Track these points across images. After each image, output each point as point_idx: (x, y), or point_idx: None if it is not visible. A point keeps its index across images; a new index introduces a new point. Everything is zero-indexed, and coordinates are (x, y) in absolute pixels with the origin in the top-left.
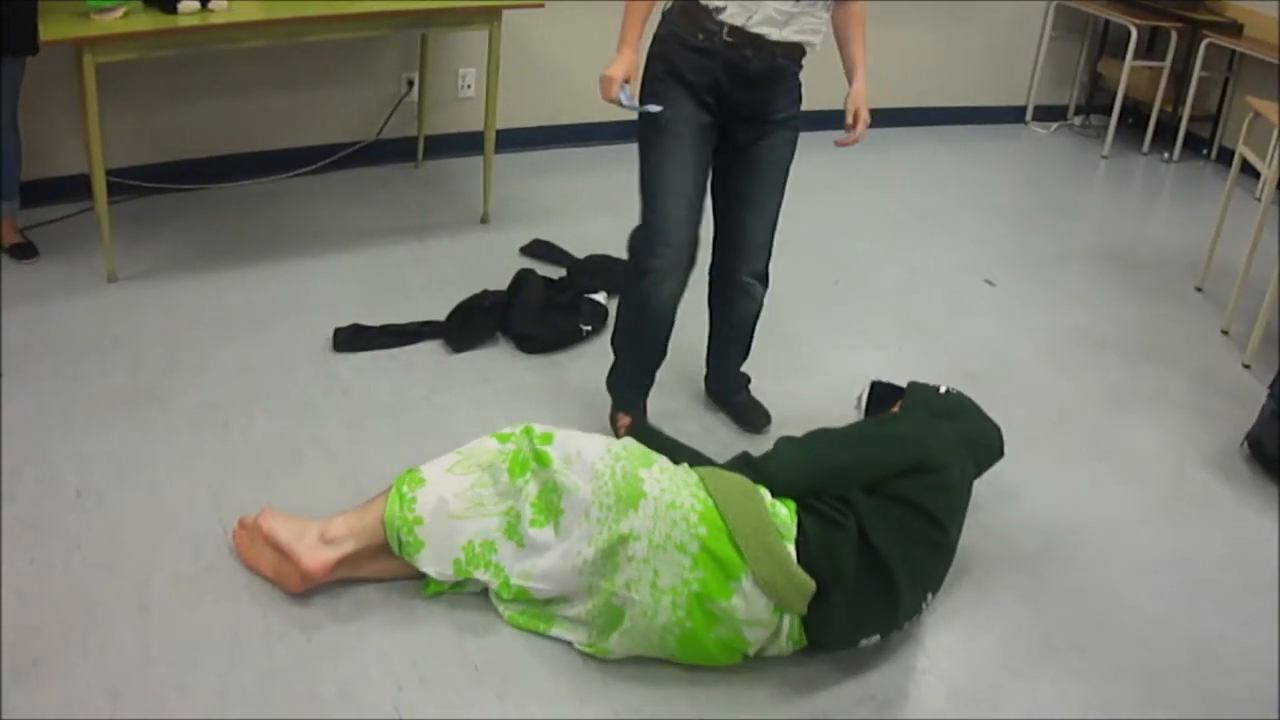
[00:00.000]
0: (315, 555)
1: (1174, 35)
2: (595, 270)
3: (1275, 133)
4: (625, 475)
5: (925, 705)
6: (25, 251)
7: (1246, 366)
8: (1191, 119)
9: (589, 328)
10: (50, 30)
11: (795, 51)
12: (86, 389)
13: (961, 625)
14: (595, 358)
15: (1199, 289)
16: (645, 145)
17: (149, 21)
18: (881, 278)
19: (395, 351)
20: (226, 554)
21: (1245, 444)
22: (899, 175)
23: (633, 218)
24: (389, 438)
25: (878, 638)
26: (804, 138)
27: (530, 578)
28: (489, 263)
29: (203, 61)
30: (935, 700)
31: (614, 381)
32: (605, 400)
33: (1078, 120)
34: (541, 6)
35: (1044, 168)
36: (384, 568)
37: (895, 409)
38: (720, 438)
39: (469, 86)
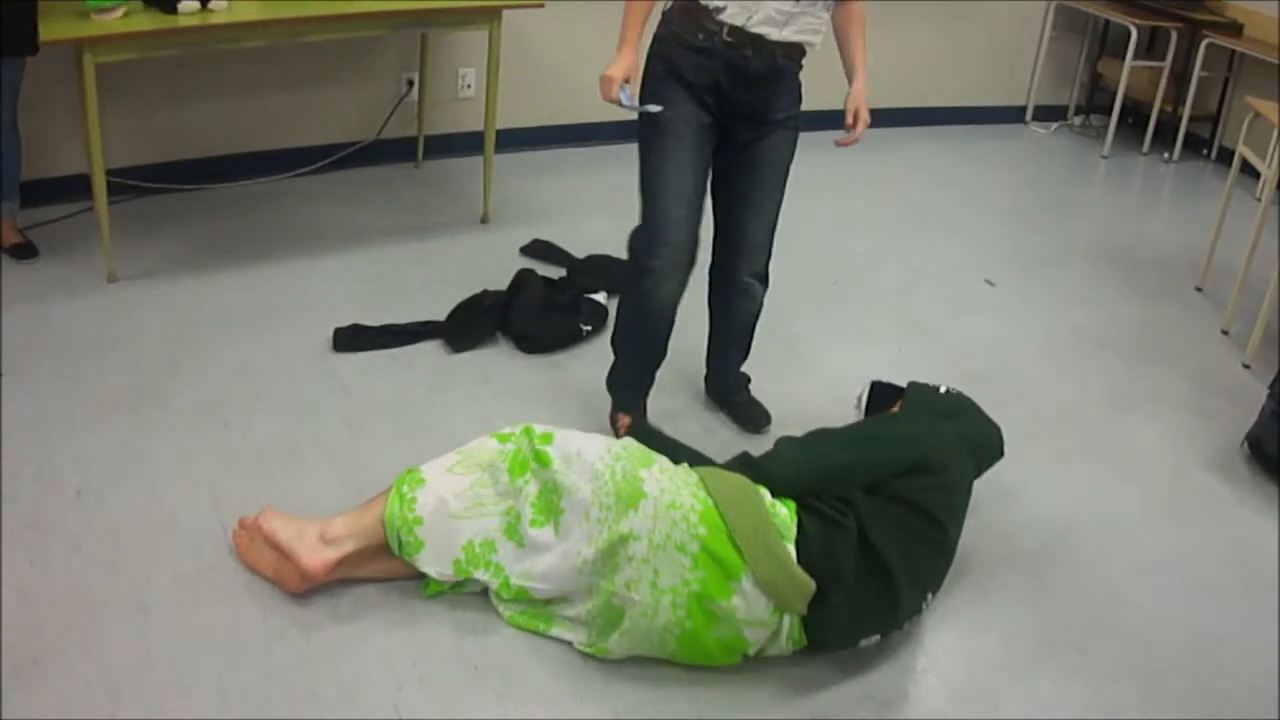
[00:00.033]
0: (315, 555)
1: (1174, 35)
2: (595, 270)
3: (1275, 133)
4: (625, 475)
5: (925, 705)
6: (25, 251)
7: (1246, 366)
8: (1191, 119)
9: (589, 328)
10: (50, 30)
11: (795, 51)
12: (86, 389)
13: (961, 625)
14: (595, 358)
15: (1199, 289)
16: (645, 145)
17: (149, 21)
18: (881, 278)
19: (395, 351)
20: (226, 554)
21: (1245, 444)
22: (899, 175)
23: (633, 218)
24: (389, 438)
25: (878, 638)
26: (804, 138)
27: (530, 578)
28: (489, 263)
29: (203, 61)
30: (935, 700)
31: (614, 381)
32: (605, 400)
33: (1078, 120)
34: (541, 6)
35: (1044, 168)
36: (384, 568)
37: (895, 409)
38: (720, 438)
39: (469, 86)
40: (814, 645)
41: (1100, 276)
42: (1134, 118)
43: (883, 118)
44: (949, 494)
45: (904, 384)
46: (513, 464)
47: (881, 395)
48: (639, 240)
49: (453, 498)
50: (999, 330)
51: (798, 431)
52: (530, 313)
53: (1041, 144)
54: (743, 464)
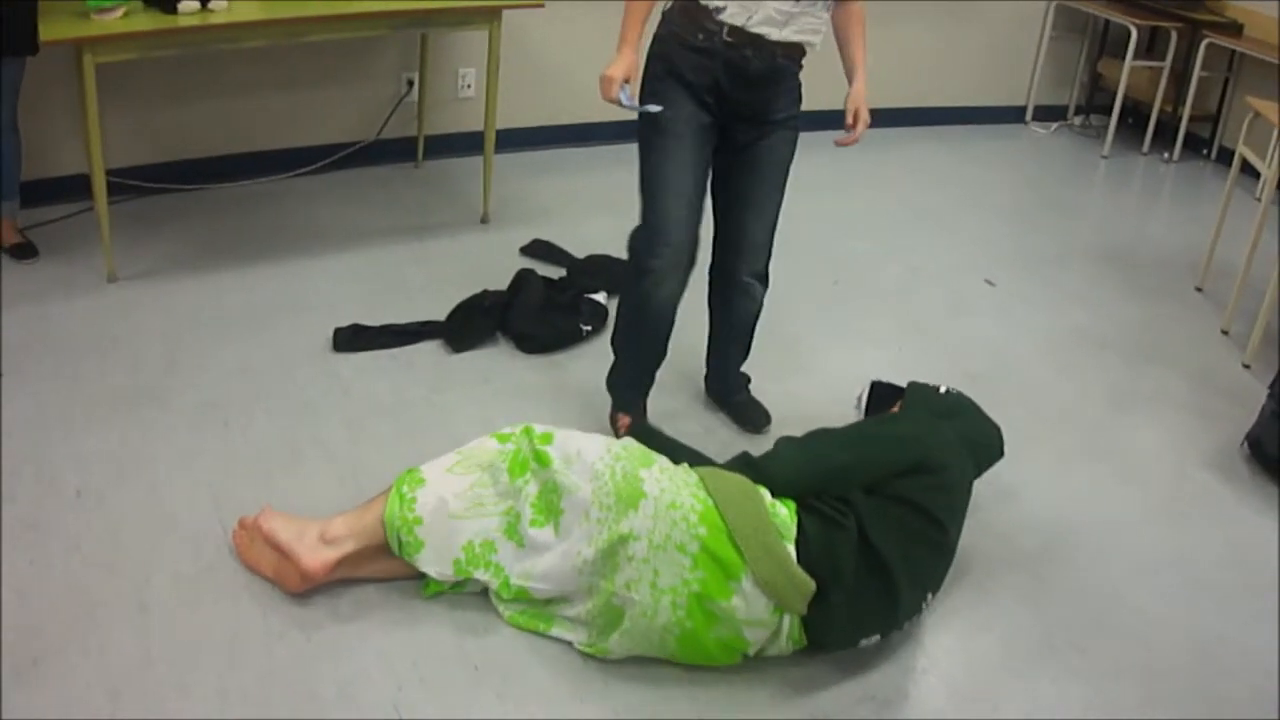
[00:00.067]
0: (315, 555)
1: (1174, 35)
2: (595, 270)
3: (1275, 133)
4: (625, 475)
5: (925, 705)
6: (25, 251)
7: (1246, 366)
8: (1191, 119)
9: (589, 328)
10: (50, 30)
11: (795, 51)
12: (86, 389)
13: (961, 625)
14: (595, 358)
15: (1199, 289)
16: (645, 145)
17: (149, 21)
18: (881, 278)
19: (395, 351)
20: (226, 554)
21: (1245, 444)
22: (899, 175)
23: (633, 218)
24: (389, 438)
25: (878, 638)
26: (804, 138)
27: (530, 578)
28: (489, 263)
29: (203, 61)
30: (935, 700)
31: (614, 381)
32: (605, 400)
33: (1078, 120)
34: (541, 6)
35: (1044, 168)
36: (384, 568)
37: (895, 409)
38: (720, 438)
39: (469, 86)
40: (814, 645)
41: (1100, 276)
42: (1134, 118)
43: (883, 118)
44: (949, 494)
45: (904, 384)
46: (513, 464)
47: (881, 395)
48: (639, 240)
49: (453, 498)
50: (999, 330)
51: (798, 431)
52: (530, 313)
53: (1041, 144)
54: (743, 464)
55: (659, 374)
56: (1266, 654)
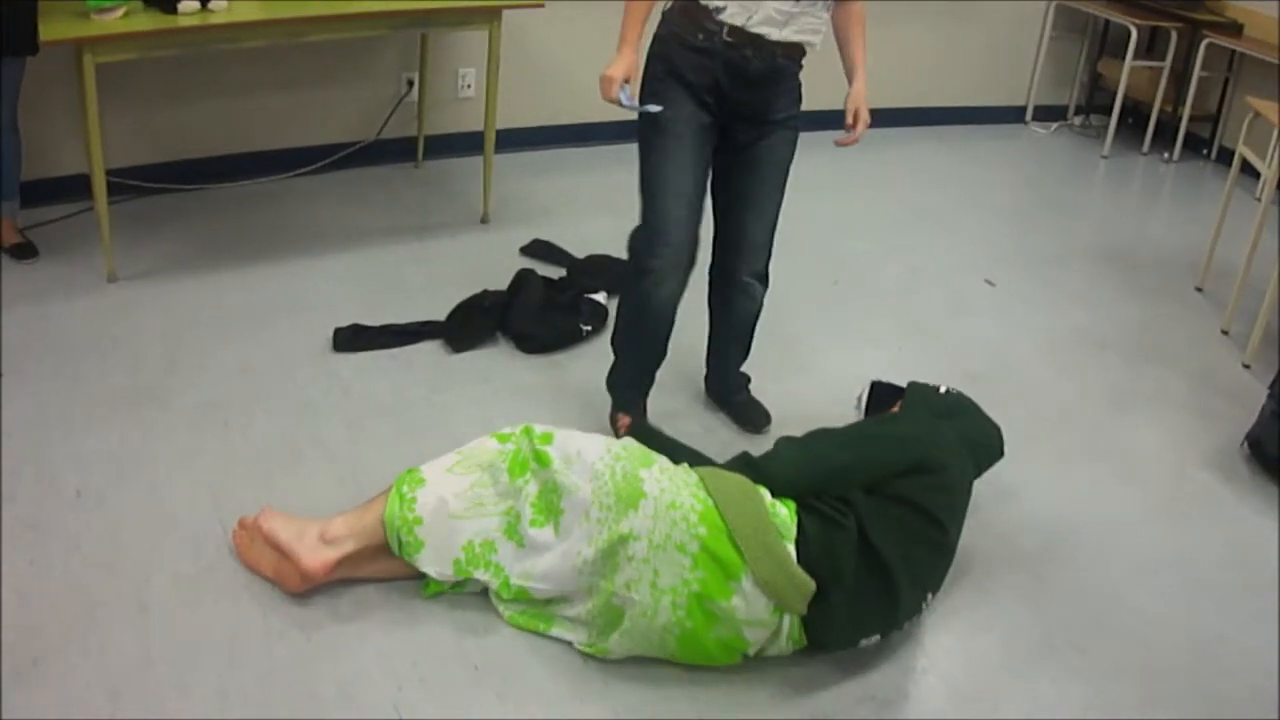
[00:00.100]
0: (315, 555)
1: (1174, 35)
2: (595, 270)
3: (1275, 133)
4: (625, 475)
5: (925, 705)
6: (25, 251)
7: (1246, 366)
8: (1191, 119)
9: (589, 328)
10: (50, 30)
11: (795, 51)
12: (86, 389)
13: (961, 625)
14: (595, 358)
15: (1199, 289)
16: (645, 145)
17: (149, 21)
18: (881, 278)
19: (395, 351)
20: (226, 554)
21: (1245, 444)
22: (899, 175)
23: (633, 218)
24: (389, 438)
25: (878, 638)
26: (804, 138)
27: (530, 578)
28: (489, 263)
29: (203, 61)
30: (935, 700)
31: (614, 381)
32: (605, 400)
33: (1078, 120)
34: (541, 6)
35: (1044, 168)
36: (384, 568)
37: (895, 409)
38: (720, 438)
39: (469, 86)
40: (814, 645)
41: (1100, 276)
42: (1134, 118)
43: (883, 118)
44: (949, 494)
45: (904, 384)
46: (513, 464)
47: (881, 395)
48: (639, 240)
49: (453, 498)
50: (999, 330)
51: (798, 431)
52: (530, 313)
53: (1041, 144)
54: (742, 464)
55: (659, 374)
56: (1266, 654)
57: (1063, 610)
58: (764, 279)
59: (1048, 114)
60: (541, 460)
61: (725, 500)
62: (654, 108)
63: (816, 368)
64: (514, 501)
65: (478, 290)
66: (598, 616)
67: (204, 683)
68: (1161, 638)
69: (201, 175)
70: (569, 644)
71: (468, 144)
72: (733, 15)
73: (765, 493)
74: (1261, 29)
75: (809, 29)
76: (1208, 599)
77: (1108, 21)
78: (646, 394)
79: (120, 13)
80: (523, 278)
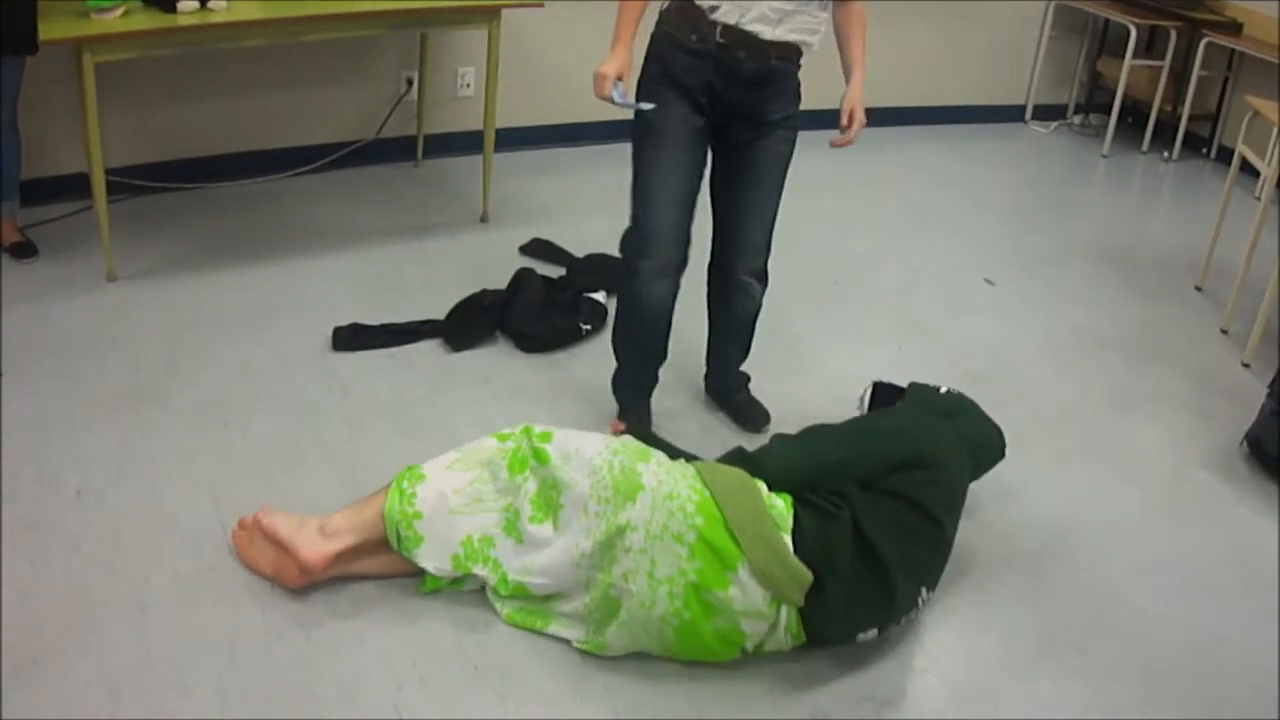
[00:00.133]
0: (314, 548)
1: (1173, 34)
2: (594, 269)
3: (1275, 132)
4: (623, 469)
5: (925, 704)
6: (25, 251)
7: (1246, 366)
8: (1191, 118)
9: (588, 327)
10: (50, 30)
11: (791, 52)
12: (86, 389)
13: (961, 625)
14: (595, 357)
15: (1199, 289)
16: (637, 146)
17: (148, 21)
18: (881, 278)
19: (395, 351)
20: (226, 554)
21: (1245, 443)
22: (899, 175)
23: None
24: (389, 437)
25: (875, 632)
26: (803, 137)
27: (529, 573)
28: (488, 262)
29: (202, 61)
30: (935, 700)
31: (615, 382)
32: (605, 399)
33: (1077, 119)
34: (541, 6)
35: (1044, 167)
36: (382, 563)
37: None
38: (719, 437)
39: (468, 86)
40: (812, 640)
41: (1100, 276)
42: (1134, 117)
43: (883, 117)
44: (945, 491)
45: (904, 384)
46: (512, 461)
47: (883, 396)
48: (630, 242)
49: (452, 493)
50: (999, 330)
51: (797, 431)
52: (530, 312)
53: (1041, 143)
54: (738, 458)
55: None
56: (1266, 654)
57: (1063, 610)
58: (763, 278)
59: (1047, 113)
60: (540, 457)
61: (722, 491)
62: (646, 105)
63: (816, 368)
64: (513, 498)
65: (477, 289)
66: (595, 610)
67: (204, 683)
68: (1161, 638)
69: (201, 174)
70: (568, 643)
71: (467, 143)
72: (726, 14)
73: (762, 485)
74: (1261, 28)
75: (805, 28)
76: (1208, 599)
77: (1107, 21)
78: (649, 394)
79: (119, 12)
80: (522, 277)
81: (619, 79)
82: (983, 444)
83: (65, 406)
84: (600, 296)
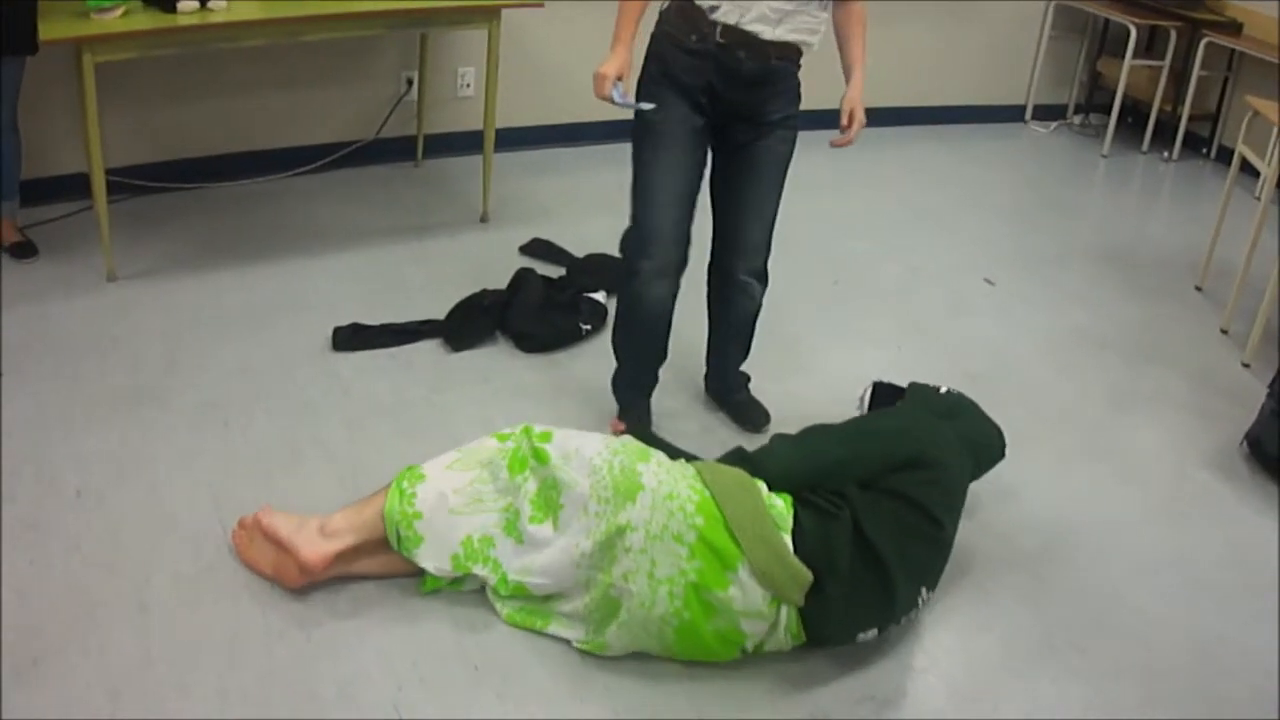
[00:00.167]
0: (314, 547)
1: (1173, 34)
2: (594, 269)
3: (1275, 132)
4: (623, 469)
5: (925, 704)
6: (25, 250)
7: (1246, 366)
8: (1191, 118)
9: (588, 326)
10: (50, 30)
11: (790, 52)
12: (86, 389)
13: (961, 625)
14: (595, 356)
15: (1199, 289)
16: (637, 147)
17: (148, 21)
18: (881, 278)
19: (395, 351)
20: (226, 554)
21: (1245, 443)
22: (899, 175)
23: None
24: (389, 437)
25: (875, 632)
26: (803, 137)
27: (529, 573)
28: (488, 262)
29: (202, 61)
30: (935, 700)
31: (615, 382)
32: (605, 399)
33: (1077, 119)
34: (541, 6)
35: (1044, 167)
36: (382, 563)
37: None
38: (719, 437)
39: (468, 86)
40: (812, 640)
41: (1100, 276)
42: (1133, 117)
43: (883, 117)
44: (945, 490)
45: (904, 384)
46: (512, 461)
47: (883, 396)
48: (629, 242)
49: (452, 493)
50: (999, 330)
51: (797, 431)
52: (530, 312)
53: (1041, 143)
54: (738, 458)
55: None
56: (1266, 654)
57: (1063, 610)
58: (763, 278)
59: (1047, 113)
60: (540, 457)
61: (722, 491)
62: (646, 105)
63: (816, 368)
64: (513, 498)
65: (477, 289)
66: (595, 610)
67: (204, 683)
68: (1161, 638)
69: (201, 174)
70: (568, 643)
71: (467, 143)
72: (726, 14)
73: (762, 485)
74: (1261, 28)
75: (805, 28)
76: (1208, 599)
77: (1107, 21)
78: (649, 394)
79: (119, 12)
80: (522, 277)
81: (619, 79)
82: (983, 444)
83: (65, 406)
84: (600, 296)
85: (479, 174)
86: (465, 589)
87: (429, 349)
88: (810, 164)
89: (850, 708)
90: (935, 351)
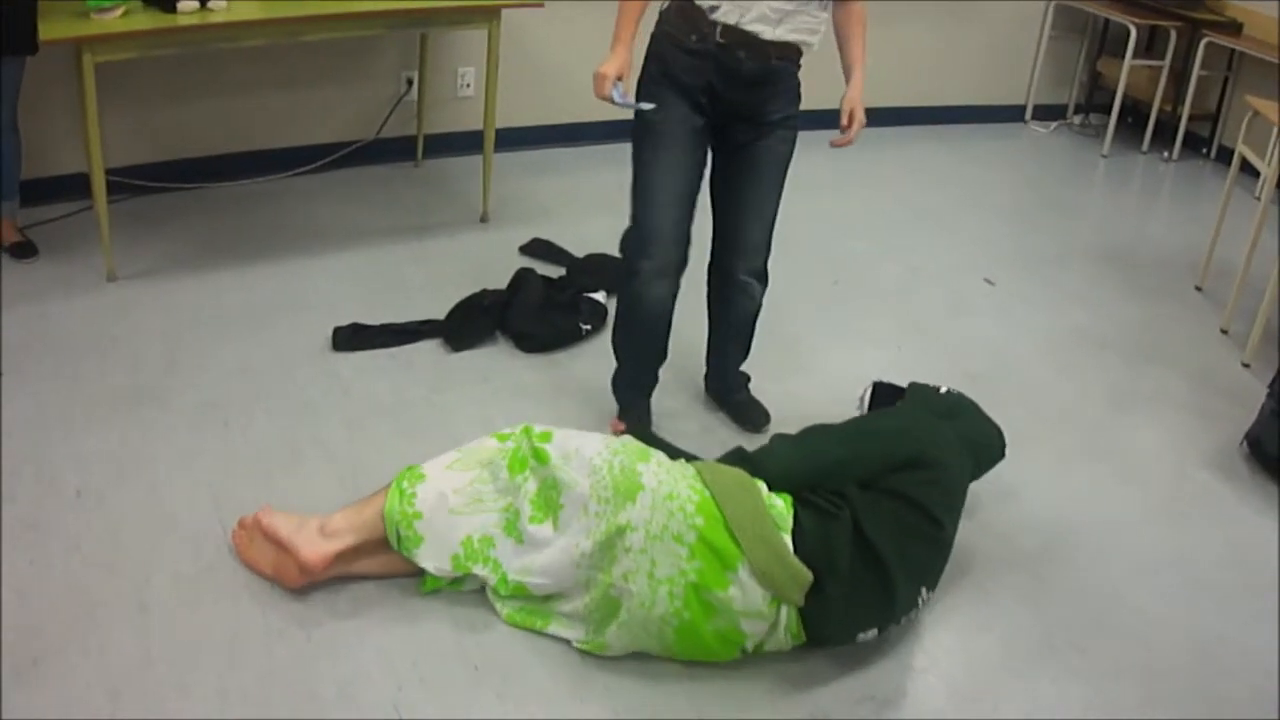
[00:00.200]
0: (314, 547)
1: (1173, 34)
2: (594, 269)
3: (1275, 131)
4: (623, 469)
5: (925, 704)
6: (25, 250)
7: (1246, 366)
8: (1191, 118)
9: (588, 326)
10: (50, 30)
11: (790, 52)
12: (86, 389)
13: (961, 625)
14: (595, 356)
15: (1199, 289)
16: (637, 147)
17: (148, 21)
18: (881, 278)
19: (395, 351)
20: (226, 554)
21: (1245, 443)
22: (898, 175)
23: None
24: (389, 437)
25: (875, 632)
26: (803, 137)
27: (529, 573)
28: (488, 262)
29: (202, 61)
30: (935, 700)
31: (615, 382)
32: (605, 399)
33: (1077, 119)
34: (541, 6)
35: (1044, 167)
36: (382, 563)
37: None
38: (719, 437)
39: (468, 86)
40: (812, 640)
41: (1100, 276)
42: (1133, 117)
43: (882, 117)
44: (945, 490)
45: (904, 384)
46: (512, 461)
47: (883, 396)
48: (629, 242)
49: (452, 493)
50: (999, 330)
51: (797, 431)
52: (530, 312)
53: (1041, 143)
54: (738, 458)
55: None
56: (1266, 654)
57: (1063, 610)
58: (763, 278)
59: (1047, 113)
60: (540, 457)
61: (722, 491)
62: (646, 105)
63: (816, 368)
64: (513, 498)
65: (477, 289)
66: (595, 610)
67: (204, 683)
68: (1161, 638)
69: (201, 174)
70: (568, 643)
71: (467, 143)
72: (726, 14)
73: (762, 485)
74: (1261, 28)
75: (805, 28)
76: (1208, 599)
77: (1107, 21)
78: (649, 394)
79: (119, 12)
80: (522, 277)
81: (619, 79)
82: (983, 444)
83: (65, 406)
84: (600, 296)
85: (479, 174)
86: (465, 589)
87: (429, 349)
88: (810, 164)
89: (850, 708)
90: (935, 351)
